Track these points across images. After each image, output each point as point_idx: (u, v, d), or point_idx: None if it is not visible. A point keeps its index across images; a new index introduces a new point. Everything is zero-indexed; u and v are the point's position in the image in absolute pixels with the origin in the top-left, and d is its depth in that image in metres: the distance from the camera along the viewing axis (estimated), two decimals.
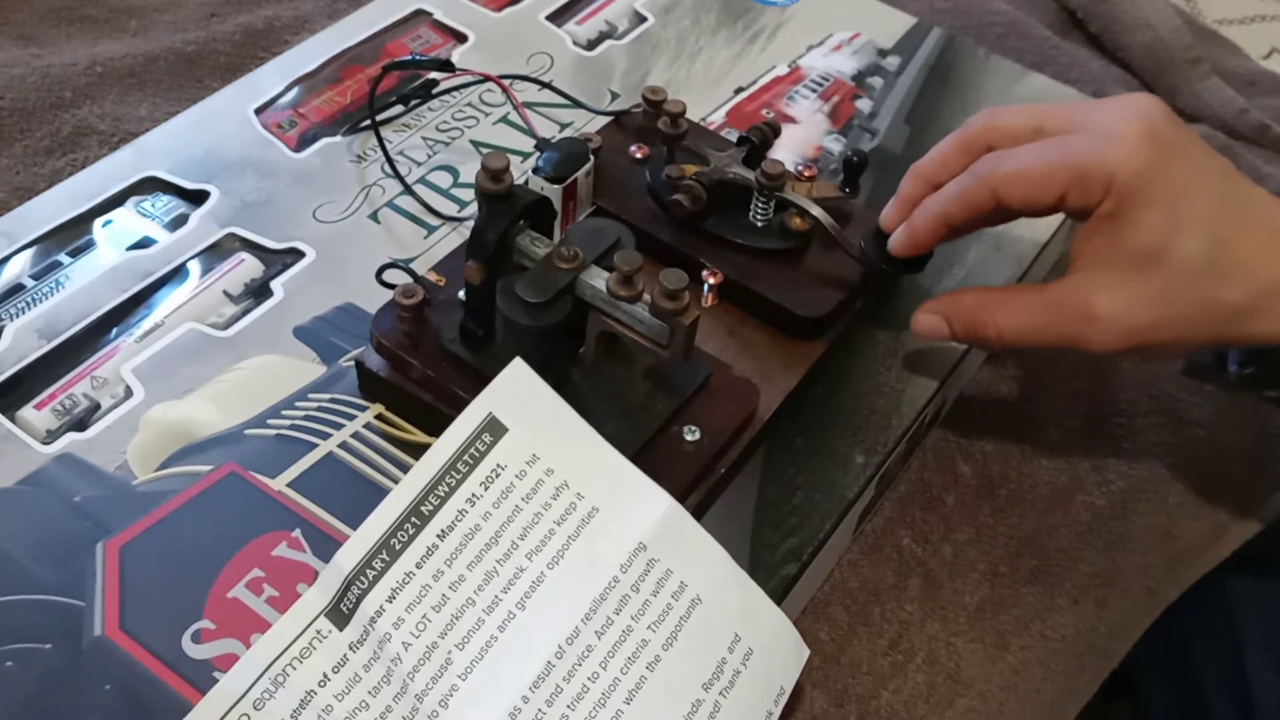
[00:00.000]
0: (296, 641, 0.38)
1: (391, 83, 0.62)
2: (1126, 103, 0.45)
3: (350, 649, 0.38)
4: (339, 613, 0.39)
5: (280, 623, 0.38)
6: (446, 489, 0.40)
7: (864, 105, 0.66)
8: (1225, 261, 0.43)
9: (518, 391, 0.42)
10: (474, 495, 0.41)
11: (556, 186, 0.50)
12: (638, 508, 0.42)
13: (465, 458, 0.41)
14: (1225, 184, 0.44)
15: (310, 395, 0.49)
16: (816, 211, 0.51)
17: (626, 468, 0.43)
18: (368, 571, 0.39)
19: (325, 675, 0.38)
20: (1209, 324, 0.44)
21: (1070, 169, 0.44)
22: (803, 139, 0.63)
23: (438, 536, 0.40)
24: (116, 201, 0.56)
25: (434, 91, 0.63)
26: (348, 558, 0.39)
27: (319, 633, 0.38)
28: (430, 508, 0.40)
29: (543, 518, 0.41)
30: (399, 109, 0.62)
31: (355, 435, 0.48)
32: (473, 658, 0.38)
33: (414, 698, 0.37)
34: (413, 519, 0.40)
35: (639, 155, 0.55)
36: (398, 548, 0.39)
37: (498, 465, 0.41)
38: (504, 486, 0.41)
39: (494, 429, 0.42)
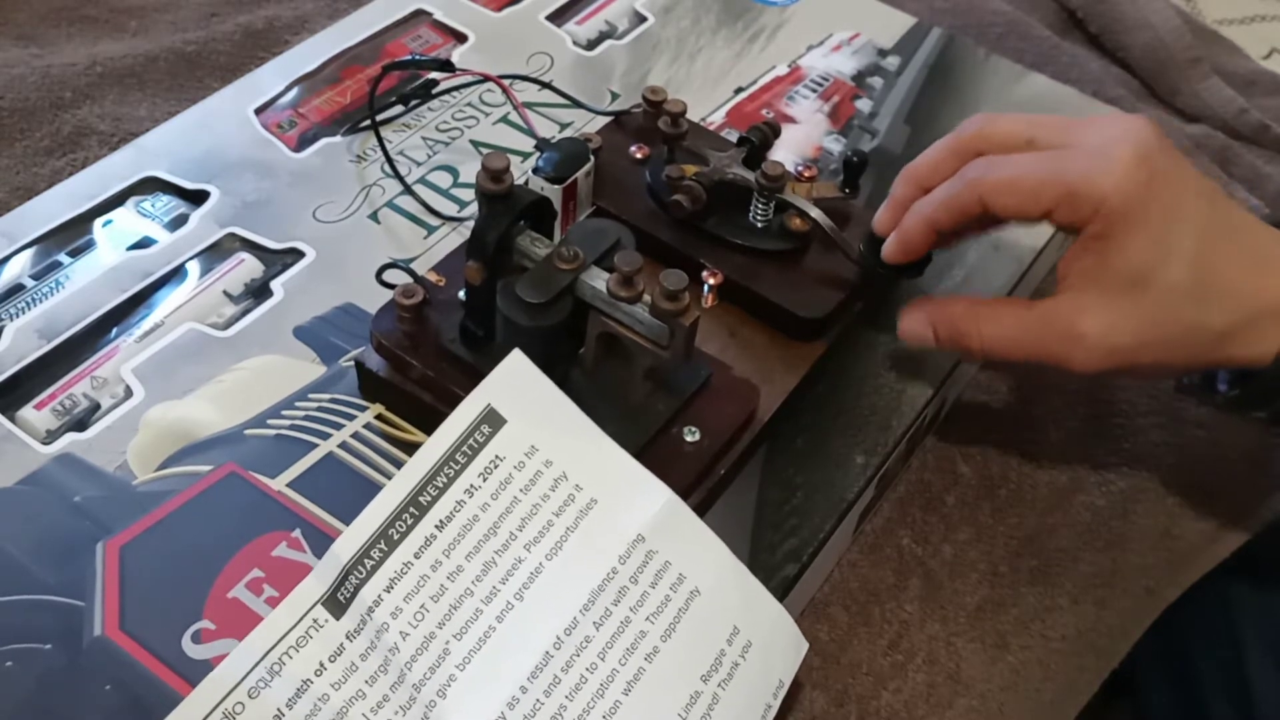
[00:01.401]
0: (293, 630, 0.38)
1: (391, 83, 0.62)
2: (1121, 124, 0.46)
3: (347, 638, 0.38)
4: (336, 601, 0.39)
5: (277, 611, 0.38)
6: (445, 479, 0.40)
7: (864, 105, 0.66)
8: (1210, 287, 0.44)
9: (517, 383, 0.42)
10: (472, 486, 0.41)
11: (556, 187, 0.50)
12: (636, 500, 0.42)
13: (464, 448, 0.41)
14: (1213, 210, 0.45)
15: (310, 395, 0.49)
16: (816, 214, 0.51)
17: (625, 460, 0.43)
18: (365, 561, 0.39)
19: (322, 664, 0.38)
20: (1192, 347, 0.45)
21: (1061, 186, 0.44)
22: (803, 139, 0.63)
23: (436, 527, 0.40)
24: (116, 201, 0.56)
25: (434, 91, 0.63)
26: (346, 547, 0.39)
27: (316, 621, 0.38)
28: (429, 498, 0.40)
29: (541, 509, 0.41)
30: (399, 109, 0.62)
31: (355, 435, 0.48)
32: (470, 648, 0.38)
33: (411, 687, 0.37)
34: (411, 509, 0.40)
35: (639, 155, 0.55)
36: (396, 537, 0.39)
37: (496, 456, 0.41)
38: (502, 477, 0.41)
39: (493, 420, 0.42)
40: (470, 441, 0.41)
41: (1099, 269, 0.45)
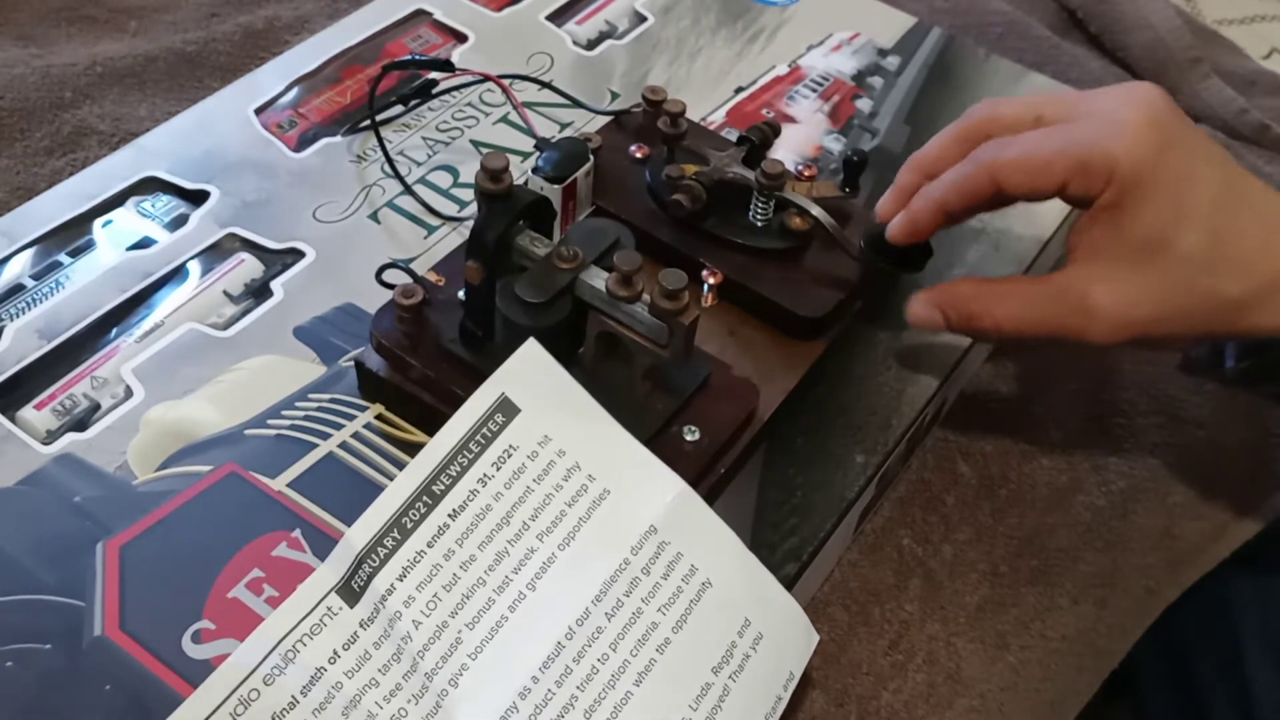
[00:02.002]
0: (307, 618, 0.38)
1: (391, 83, 0.62)
2: (1127, 91, 0.45)
3: (361, 626, 0.38)
4: (350, 590, 0.39)
5: (291, 599, 0.38)
6: (458, 469, 0.40)
7: (864, 105, 0.66)
8: (1225, 254, 0.43)
9: (531, 372, 0.42)
10: (486, 475, 0.41)
11: (556, 186, 0.50)
12: (649, 491, 0.42)
13: (478, 438, 0.41)
14: (1226, 174, 0.44)
15: (310, 395, 0.49)
16: (816, 211, 0.51)
17: (639, 450, 0.42)
18: (379, 549, 0.39)
19: (335, 652, 0.38)
20: (1208, 316, 0.44)
21: (1072, 157, 0.43)
22: (803, 139, 0.63)
23: (449, 516, 0.40)
24: (116, 201, 0.56)
25: (434, 91, 0.63)
26: (359, 535, 0.39)
27: (330, 610, 0.38)
28: (442, 487, 0.40)
29: (554, 499, 0.41)
30: (399, 109, 0.62)
31: (355, 435, 0.48)
32: (483, 637, 0.38)
33: (424, 676, 0.37)
34: (424, 498, 0.40)
35: (639, 155, 0.55)
36: (409, 526, 0.39)
37: (510, 446, 0.41)
38: (516, 467, 0.41)
39: (506, 409, 0.42)
40: (484, 430, 0.41)
41: (1111, 238, 0.44)
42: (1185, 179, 0.43)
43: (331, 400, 0.49)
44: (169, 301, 0.52)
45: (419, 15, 0.68)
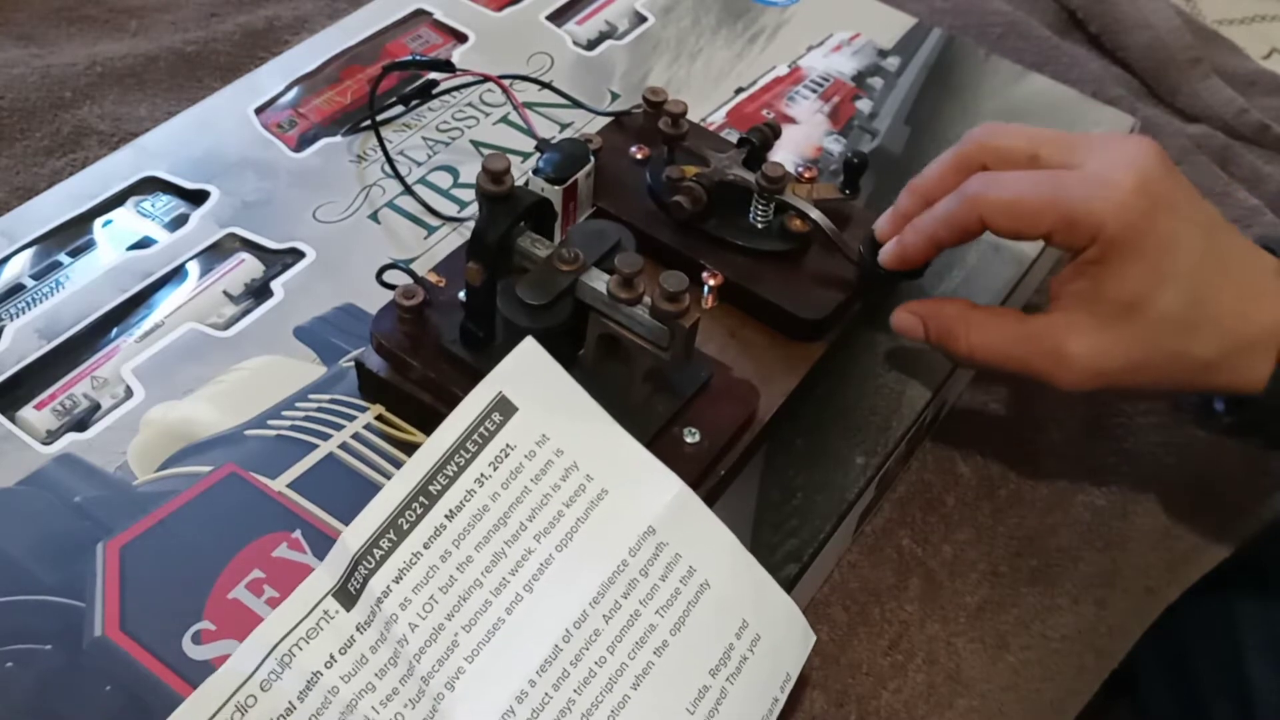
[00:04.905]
0: (303, 622, 0.38)
1: (391, 83, 0.62)
2: (1125, 148, 0.46)
3: (357, 630, 0.38)
4: (346, 593, 0.39)
5: (287, 603, 0.38)
6: (455, 468, 0.40)
7: (864, 106, 0.66)
8: (1199, 316, 0.44)
9: (528, 371, 0.42)
10: (483, 475, 0.40)
11: (557, 188, 0.50)
12: (647, 491, 0.42)
13: (474, 437, 0.41)
14: (1210, 240, 0.45)
15: (310, 396, 0.49)
16: (816, 216, 0.51)
17: (637, 450, 0.42)
18: (375, 551, 0.39)
19: (332, 656, 0.38)
20: (1178, 374, 0.46)
21: (1060, 212, 0.44)
22: (803, 139, 0.63)
23: (446, 516, 0.40)
24: (116, 201, 0.56)
25: (434, 92, 0.63)
26: (355, 537, 0.39)
27: (326, 613, 0.38)
28: (438, 487, 0.40)
29: (551, 499, 0.41)
30: (399, 109, 0.62)
31: (355, 436, 0.48)
32: (479, 640, 0.38)
33: (420, 679, 0.37)
34: (421, 498, 0.40)
35: (639, 156, 0.55)
36: (405, 527, 0.39)
37: (507, 445, 0.41)
38: (513, 467, 0.41)
39: (504, 408, 0.42)
40: (481, 430, 0.41)
41: (1092, 293, 0.45)
42: (1169, 244, 0.44)
43: (332, 401, 0.49)
44: (169, 301, 0.52)
45: (419, 15, 0.68)
